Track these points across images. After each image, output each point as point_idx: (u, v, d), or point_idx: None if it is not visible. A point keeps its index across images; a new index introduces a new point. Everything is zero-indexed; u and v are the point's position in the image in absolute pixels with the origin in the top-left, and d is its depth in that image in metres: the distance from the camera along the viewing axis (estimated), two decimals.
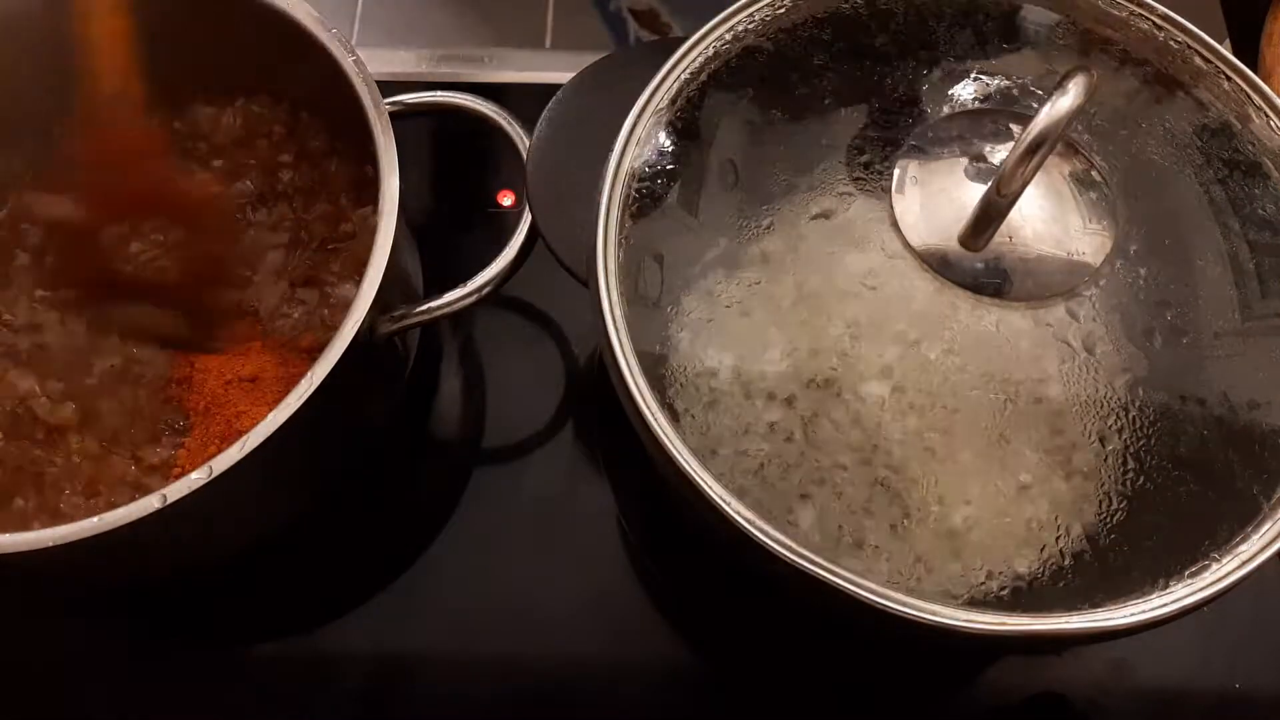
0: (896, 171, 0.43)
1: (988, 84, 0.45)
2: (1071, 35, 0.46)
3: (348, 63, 0.46)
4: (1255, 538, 0.37)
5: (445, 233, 0.58)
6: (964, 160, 0.43)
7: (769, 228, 0.52)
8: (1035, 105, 0.41)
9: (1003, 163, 0.37)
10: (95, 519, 0.38)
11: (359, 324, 0.41)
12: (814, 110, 0.47)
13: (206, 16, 0.50)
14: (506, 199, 0.60)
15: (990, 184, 0.38)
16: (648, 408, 0.37)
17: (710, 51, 0.44)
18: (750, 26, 0.45)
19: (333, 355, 0.41)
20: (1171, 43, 0.45)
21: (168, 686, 0.50)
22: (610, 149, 0.42)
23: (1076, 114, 0.36)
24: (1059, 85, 0.37)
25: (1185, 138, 0.44)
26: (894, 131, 0.44)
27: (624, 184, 0.42)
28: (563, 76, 0.47)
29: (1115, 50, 0.45)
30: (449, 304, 0.46)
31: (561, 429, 0.55)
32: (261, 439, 0.39)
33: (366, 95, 0.46)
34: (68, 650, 0.51)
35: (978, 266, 0.41)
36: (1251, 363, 0.42)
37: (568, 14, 0.68)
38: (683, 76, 0.44)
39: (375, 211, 0.44)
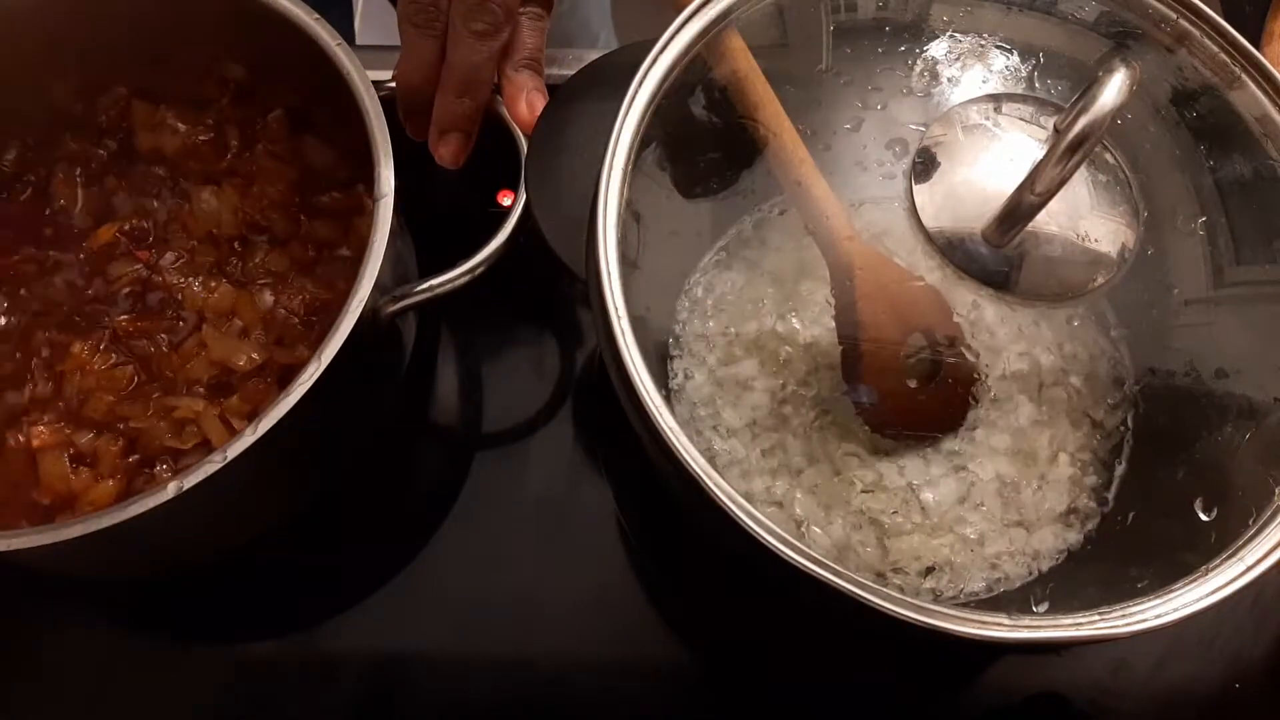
0: (917, 157, 0.41)
1: (1008, 61, 0.42)
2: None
3: (347, 62, 0.46)
4: (1254, 546, 0.36)
5: (445, 232, 0.58)
6: (988, 148, 0.40)
7: (782, 214, 0.51)
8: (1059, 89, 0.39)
9: (1038, 162, 0.35)
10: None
11: (363, 303, 0.42)
12: (825, 93, 0.45)
13: (206, 16, 0.50)
14: (506, 199, 0.60)
15: (1023, 181, 0.36)
16: (651, 403, 0.37)
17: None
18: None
19: (339, 336, 0.41)
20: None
21: (167, 685, 0.50)
22: (609, 145, 0.41)
23: (1119, 111, 0.34)
24: (1099, 80, 0.34)
25: (1170, 112, 0.43)
26: (913, 113, 0.42)
27: (623, 179, 0.41)
28: (562, 76, 0.47)
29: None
30: (448, 281, 0.47)
31: (561, 428, 0.55)
32: (273, 422, 0.40)
33: (366, 94, 0.46)
34: (67, 649, 0.51)
35: (999, 261, 0.39)
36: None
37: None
38: (682, 62, 0.42)
39: (373, 202, 0.44)
